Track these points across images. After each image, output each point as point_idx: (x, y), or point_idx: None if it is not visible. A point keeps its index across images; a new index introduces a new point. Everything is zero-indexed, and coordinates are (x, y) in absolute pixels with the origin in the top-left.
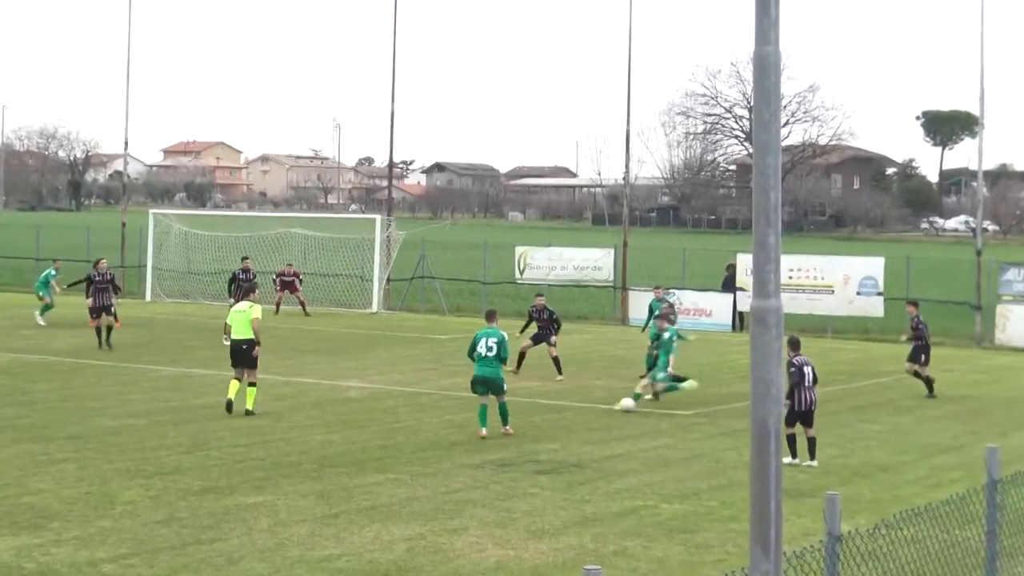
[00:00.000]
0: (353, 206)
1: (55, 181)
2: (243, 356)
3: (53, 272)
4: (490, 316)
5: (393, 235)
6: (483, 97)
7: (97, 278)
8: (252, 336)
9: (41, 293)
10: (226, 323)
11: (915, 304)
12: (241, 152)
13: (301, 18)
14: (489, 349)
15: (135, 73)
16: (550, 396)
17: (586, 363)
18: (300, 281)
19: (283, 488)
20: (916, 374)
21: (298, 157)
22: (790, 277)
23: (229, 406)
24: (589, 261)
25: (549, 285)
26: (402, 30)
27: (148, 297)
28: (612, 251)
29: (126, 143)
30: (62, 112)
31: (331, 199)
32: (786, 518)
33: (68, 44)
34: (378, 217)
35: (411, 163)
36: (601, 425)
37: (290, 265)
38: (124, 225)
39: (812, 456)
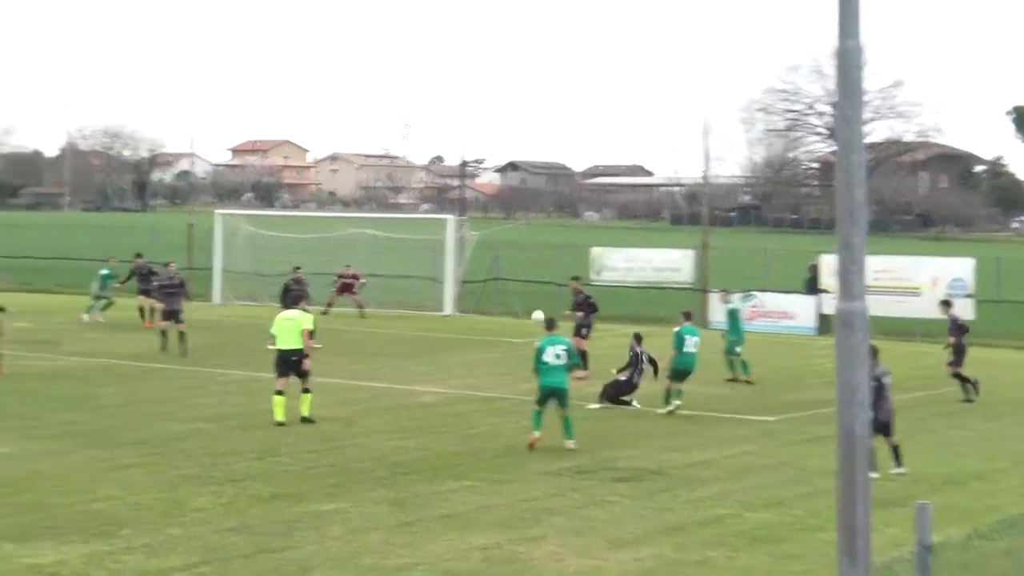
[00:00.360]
0: (424, 206)
1: (120, 181)
2: (292, 367)
3: (106, 271)
4: (551, 324)
5: (466, 236)
6: (558, 94)
7: (167, 282)
8: (301, 347)
9: (97, 291)
10: (271, 332)
11: (949, 304)
12: (308, 151)
13: (369, 15)
14: (557, 357)
15: (201, 71)
16: (634, 403)
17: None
18: (360, 283)
19: (356, 495)
20: (957, 376)
21: (368, 156)
22: (875, 279)
23: (280, 425)
24: (668, 262)
25: (626, 287)
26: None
27: (216, 300)
28: (691, 252)
29: (192, 142)
30: (127, 111)
31: (402, 199)
32: (875, 528)
33: (133, 41)
34: (450, 217)
35: (483, 162)
36: (681, 431)
37: (348, 266)
38: (191, 226)
39: (899, 463)
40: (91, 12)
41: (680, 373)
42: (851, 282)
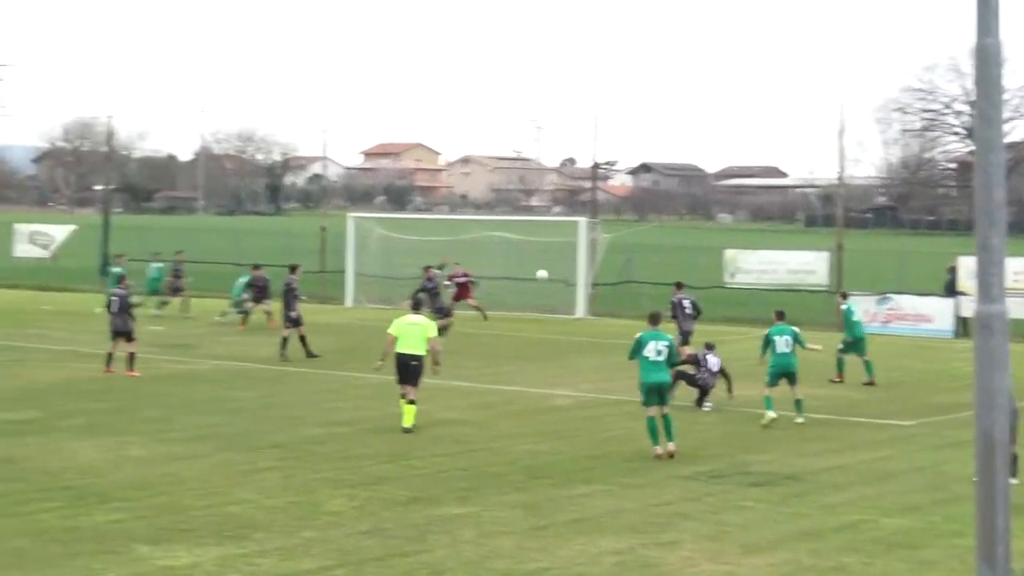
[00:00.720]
0: (556, 208)
1: (253, 185)
2: (412, 372)
3: (245, 278)
4: (654, 319)
5: (598, 238)
6: (691, 95)
7: (295, 286)
8: (425, 353)
9: (240, 296)
10: (389, 333)
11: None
12: (440, 154)
13: (501, 18)
14: (659, 353)
15: (333, 75)
16: (762, 405)
17: (801, 371)
18: (474, 285)
19: (488, 499)
20: None
21: (499, 158)
22: (1015, 281)
23: (407, 431)
24: (802, 265)
25: (760, 290)
26: (605, 28)
27: (349, 303)
28: (826, 254)
29: (324, 145)
30: (260, 115)
31: (533, 201)
32: (1015, 535)
33: (266, 45)
34: (582, 220)
35: (615, 163)
36: (816, 435)
37: (458, 264)
38: (323, 229)
39: (1014, 473)
40: (225, 17)
41: (774, 376)
42: (990, 284)
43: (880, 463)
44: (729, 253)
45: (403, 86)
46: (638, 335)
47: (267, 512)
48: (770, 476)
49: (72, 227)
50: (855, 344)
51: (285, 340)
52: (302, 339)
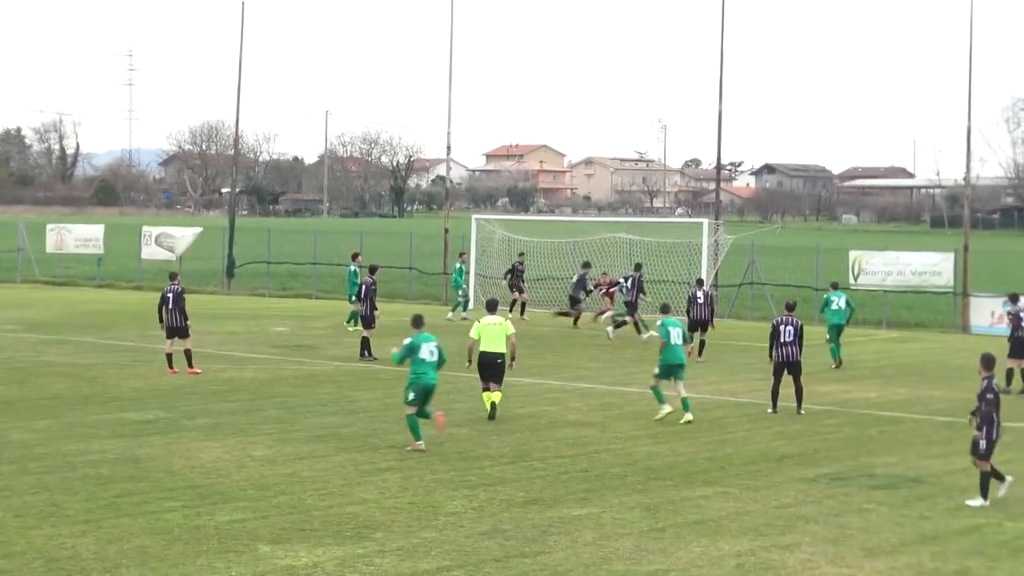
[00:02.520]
0: (679, 210)
1: (378, 187)
2: (496, 370)
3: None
4: (665, 308)
5: (721, 239)
6: (816, 96)
7: (375, 287)
8: (506, 351)
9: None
10: (471, 337)
11: (1014, 298)
12: (565, 155)
13: (621, 20)
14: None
15: (458, 76)
16: (888, 407)
17: (924, 372)
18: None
19: (608, 500)
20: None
21: (623, 160)
22: None
23: (493, 413)
24: (927, 266)
25: (885, 291)
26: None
27: (471, 304)
28: (952, 255)
29: (448, 148)
30: (385, 117)
31: (656, 203)
32: None
33: (391, 48)
34: (705, 221)
35: (739, 164)
36: (941, 438)
37: (605, 274)
38: (447, 231)
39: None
40: (351, 19)
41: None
42: None
43: (1004, 466)
44: (854, 254)
45: (527, 87)
46: (658, 322)
47: (386, 512)
48: (893, 479)
49: (198, 229)
50: (833, 331)
51: (368, 340)
52: (365, 339)
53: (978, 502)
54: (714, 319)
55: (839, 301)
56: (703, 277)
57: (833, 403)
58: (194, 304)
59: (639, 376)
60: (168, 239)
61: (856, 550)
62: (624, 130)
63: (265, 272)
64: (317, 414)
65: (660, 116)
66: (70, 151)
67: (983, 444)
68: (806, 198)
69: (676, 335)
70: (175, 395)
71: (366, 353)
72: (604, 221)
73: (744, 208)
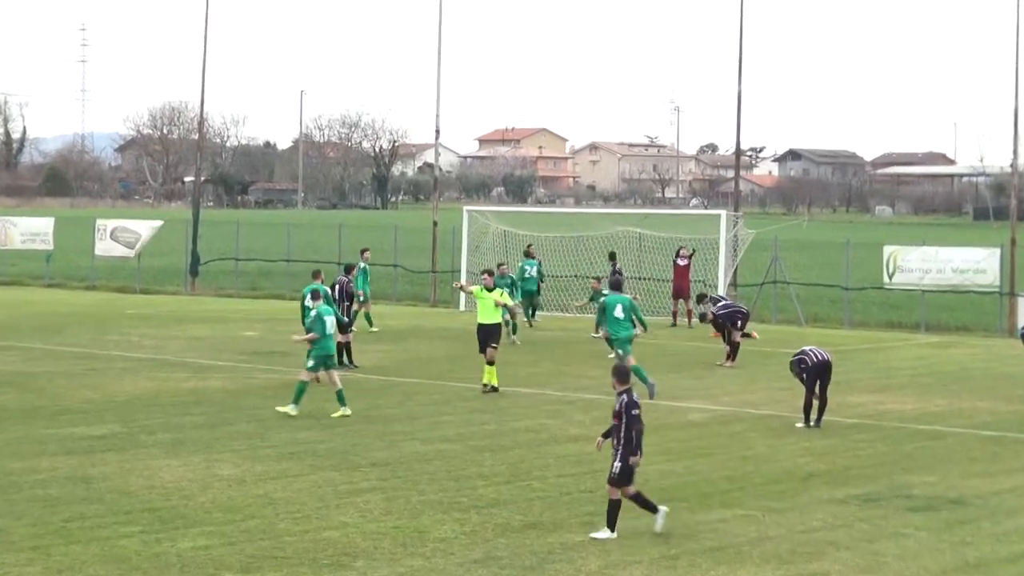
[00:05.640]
0: (694, 200)
1: (359, 175)
2: (491, 335)
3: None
4: (617, 284)
5: (740, 234)
6: (845, 74)
7: (350, 288)
8: (499, 321)
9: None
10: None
11: None
12: (567, 140)
13: None
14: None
15: (447, 52)
16: (926, 420)
17: (968, 381)
18: None
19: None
20: None
21: (631, 145)
22: None
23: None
24: (970, 263)
25: (923, 291)
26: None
27: (461, 307)
28: (997, 251)
29: (437, 132)
30: (366, 98)
31: (669, 193)
32: None
33: (373, 21)
34: (723, 213)
35: (761, 150)
36: (986, 455)
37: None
38: (435, 224)
39: None
40: None
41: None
42: None
43: None
44: (888, 250)
45: (525, 65)
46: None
47: (368, 538)
48: (933, 500)
49: (158, 223)
50: None
51: (343, 347)
52: (346, 346)
53: None
54: (739, 326)
55: None
56: (720, 278)
57: (866, 415)
58: (153, 306)
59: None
60: (125, 233)
61: None
62: (632, 112)
63: (233, 270)
64: (290, 428)
65: (672, 96)
66: (16, 135)
67: None
68: (835, 187)
69: (619, 310)
70: (132, 407)
71: (346, 361)
72: (611, 213)
73: (766, 198)
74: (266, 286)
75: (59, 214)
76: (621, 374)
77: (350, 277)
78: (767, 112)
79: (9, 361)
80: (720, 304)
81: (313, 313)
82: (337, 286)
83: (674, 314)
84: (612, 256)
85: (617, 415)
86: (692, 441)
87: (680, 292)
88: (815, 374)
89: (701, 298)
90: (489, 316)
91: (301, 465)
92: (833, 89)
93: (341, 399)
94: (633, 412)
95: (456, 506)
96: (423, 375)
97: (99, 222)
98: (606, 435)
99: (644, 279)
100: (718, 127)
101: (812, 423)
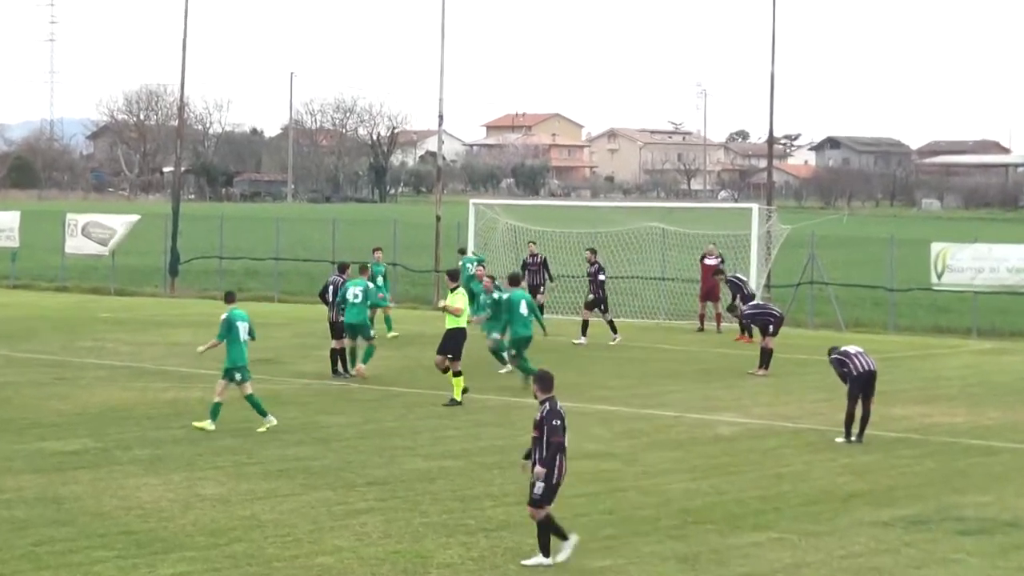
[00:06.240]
0: (723, 193)
1: (354, 165)
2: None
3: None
4: (515, 280)
5: (774, 229)
6: (888, 56)
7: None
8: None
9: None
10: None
11: None
12: (582, 127)
13: None
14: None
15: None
16: (978, 434)
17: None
18: None
19: (637, 549)
20: None
21: (653, 132)
22: None
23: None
24: None
25: (975, 292)
26: None
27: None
28: None
29: (440, 117)
30: (363, 81)
31: (695, 184)
32: None
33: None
34: (755, 207)
35: (796, 138)
36: None
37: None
38: (439, 219)
39: None
40: None
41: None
42: None
43: None
44: (936, 247)
45: (537, 45)
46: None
47: (365, 564)
48: (986, 522)
49: (135, 217)
50: None
51: (337, 354)
52: (340, 352)
53: None
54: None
55: None
56: (752, 277)
57: (912, 429)
58: (130, 309)
59: (672, 397)
60: (98, 229)
61: None
62: (655, 96)
63: (216, 269)
64: (280, 443)
65: (699, 80)
66: None
67: None
68: (877, 179)
69: (523, 307)
70: (106, 420)
71: (339, 369)
72: (631, 207)
73: (802, 191)
74: (253, 287)
75: (25, 207)
76: (543, 380)
77: (344, 277)
78: (803, 96)
79: None
80: (750, 304)
81: (223, 317)
82: (331, 287)
83: (701, 318)
84: (593, 251)
85: (537, 426)
86: (721, 457)
87: (709, 294)
88: (859, 384)
89: (732, 309)
90: (453, 321)
91: (292, 484)
92: (875, 71)
93: (215, 414)
94: (554, 423)
95: (462, 529)
96: (425, 385)
97: (70, 216)
98: (527, 455)
99: (668, 279)
100: (749, 112)
101: (854, 438)
